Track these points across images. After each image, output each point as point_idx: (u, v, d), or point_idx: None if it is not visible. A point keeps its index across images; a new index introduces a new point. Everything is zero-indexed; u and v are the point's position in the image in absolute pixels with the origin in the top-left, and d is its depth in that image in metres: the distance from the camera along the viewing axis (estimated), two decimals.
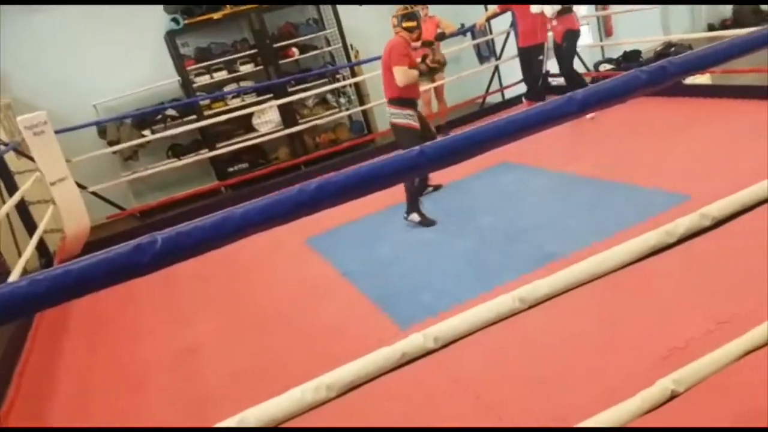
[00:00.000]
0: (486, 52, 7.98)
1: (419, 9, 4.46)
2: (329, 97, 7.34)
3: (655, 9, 8.28)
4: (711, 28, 8.60)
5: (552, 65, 6.91)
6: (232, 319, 3.57)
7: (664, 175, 3.93)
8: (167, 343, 3.43)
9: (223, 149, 6.67)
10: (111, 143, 6.41)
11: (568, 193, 4.20)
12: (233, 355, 3.12)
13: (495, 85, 7.52)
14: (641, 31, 7.88)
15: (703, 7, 8.65)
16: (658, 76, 1.25)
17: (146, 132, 6.56)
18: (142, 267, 0.91)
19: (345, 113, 7.34)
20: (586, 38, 8.27)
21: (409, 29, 4.27)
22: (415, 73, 4.21)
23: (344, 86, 7.31)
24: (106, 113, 6.64)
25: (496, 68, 7.47)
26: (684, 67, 1.28)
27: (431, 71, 4.71)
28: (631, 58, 6.76)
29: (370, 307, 3.19)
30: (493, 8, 6.90)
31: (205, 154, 6.73)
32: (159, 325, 3.76)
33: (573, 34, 5.78)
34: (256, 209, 0.99)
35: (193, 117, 6.69)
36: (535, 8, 5.70)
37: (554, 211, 3.94)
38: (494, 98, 7.64)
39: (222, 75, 6.86)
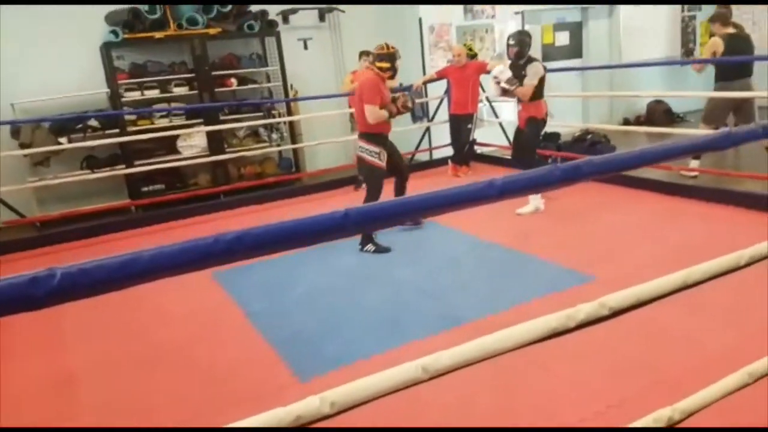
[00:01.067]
0: (420, 113, 8.24)
1: (396, 51, 4.53)
2: (261, 130, 7.29)
3: (578, 98, 8.94)
4: (626, 122, 9.35)
5: (479, 134, 7.28)
6: (117, 350, 3.33)
7: (574, 253, 4.13)
8: (42, 372, 3.15)
9: (142, 167, 6.42)
10: (23, 146, 6.02)
11: (485, 260, 4.33)
12: (110, 390, 2.91)
13: (425, 144, 7.76)
14: (563, 115, 8.47)
15: (621, 104, 9.41)
16: (572, 174, 1.33)
17: (63, 139, 6.21)
18: (35, 301, 0.84)
19: (275, 149, 7.31)
20: (512, 113, 8.77)
21: (381, 69, 4.38)
22: (384, 113, 4.31)
23: (278, 122, 7.29)
24: (23, 114, 6.27)
25: (428, 129, 7.73)
26: (598, 168, 1.37)
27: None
28: (550, 138, 7.22)
29: (270, 353, 3.08)
30: (430, 73, 7.23)
31: (122, 170, 6.45)
32: (35, 350, 3.44)
33: (536, 123, 5.17)
34: (166, 254, 0.95)
35: (116, 131, 6.43)
36: (494, 70, 5.23)
37: (469, 275, 4.05)
38: (423, 156, 7.87)
39: (153, 93, 6.66)
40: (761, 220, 4.26)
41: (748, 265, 1.75)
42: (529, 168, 4.73)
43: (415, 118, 8.30)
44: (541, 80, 5.01)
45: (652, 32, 9.52)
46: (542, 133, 5.48)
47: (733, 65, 5.47)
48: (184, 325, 3.59)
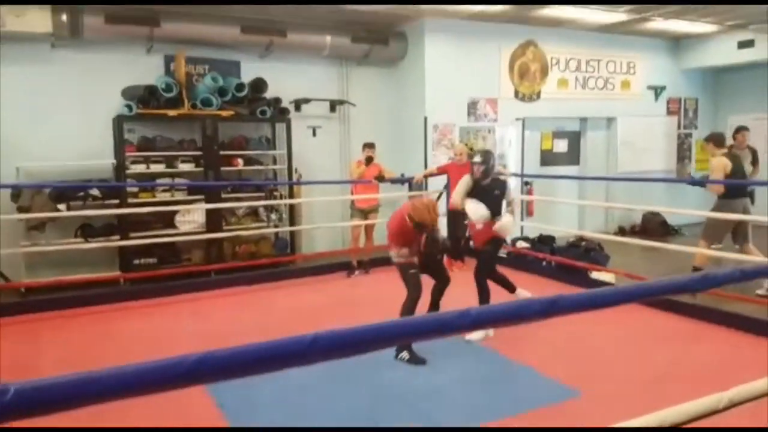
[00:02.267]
0: None
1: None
2: (261, 210, 7.38)
3: (575, 204, 9.10)
4: (621, 230, 9.47)
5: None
6: None
7: (561, 366, 4.05)
8: None
9: (136, 240, 6.45)
10: (21, 209, 6.07)
11: (472, 365, 4.22)
12: None
13: None
14: (559, 219, 8.60)
15: (616, 212, 9.57)
16: (547, 309, 1.34)
17: (62, 206, 6.25)
18: None
19: (273, 230, 7.37)
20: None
21: (411, 220, 4.24)
22: (405, 252, 4.35)
23: (279, 204, 7.40)
24: (27, 177, 6.36)
25: None
26: (573, 305, 1.39)
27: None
28: (545, 241, 7.27)
29: None
30: (431, 168, 7.42)
31: (116, 241, 6.47)
32: None
33: (497, 242, 4.95)
34: (128, 374, 0.94)
35: (116, 201, 6.51)
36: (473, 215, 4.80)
37: (453, 379, 3.94)
38: None
39: (159, 168, 6.80)
40: (758, 345, 4.22)
41: (727, 408, 1.72)
42: (484, 288, 4.36)
43: None
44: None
45: (648, 146, 9.84)
46: (498, 253, 5.24)
47: (733, 184, 5.60)
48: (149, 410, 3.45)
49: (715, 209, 5.73)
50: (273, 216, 7.39)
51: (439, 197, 7.03)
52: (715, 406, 1.70)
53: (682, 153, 10.25)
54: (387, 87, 8.56)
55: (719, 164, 5.71)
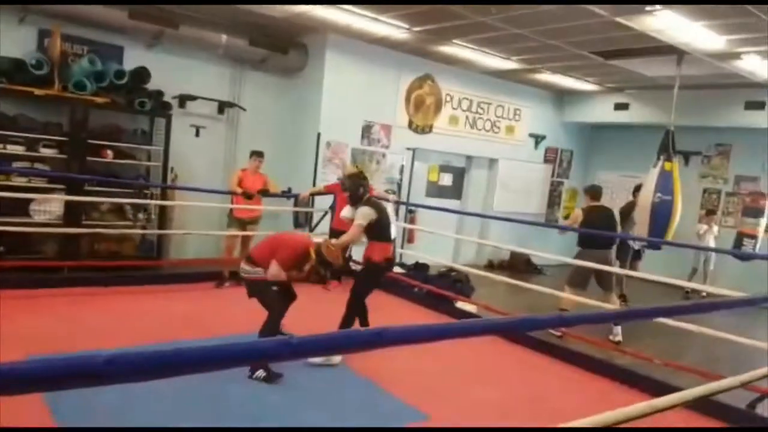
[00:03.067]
0: (303, 220, 8.26)
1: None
2: (127, 208, 6.88)
3: (451, 237, 9.42)
4: (490, 263, 9.95)
5: (355, 251, 7.36)
6: None
7: (411, 389, 4.10)
8: None
9: None
10: None
11: (327, 382, 4.14)
12: None
13: None
14: (437, 249, 8.85)
15: (488, 248, 10.04)
16: (373, 340, 1.30)
17: None
18: None
19: (139, 231, 6.90)
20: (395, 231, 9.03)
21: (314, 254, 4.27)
22: (283, 276, 4.23)
23: (148, 204, 6.95)
24: None
25: None
26: (397, 337, 1.37)
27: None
28: (421, 268, 7.46)
29: None
30: (319, 186, 7.36)
31: None
32: None
33: (369, 265, 4.80)
34: None
35: None
36: (345, 212, 5.06)
37: (302, 398, 3.84)
38: None
39: (17, 149, 6.15)
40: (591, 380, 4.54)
41: None
42: (353, 312, 4.41)
43: (297, 224, 8.30)
44: (372, 223, 4.62)
45: (523, 189, 10.47)
46: (377, 278, 4.97)
47: (592, 236, 5.97)
48: None
49: (576, 257, 6.10)
50: (141, 215, 6.93)
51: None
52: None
53: (553, 199, 11.02)
54: (282, 96, 8.42)
55: (573, 214, 6.43)
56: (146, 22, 6.75)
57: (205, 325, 5.03)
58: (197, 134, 7.78)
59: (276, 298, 4.27)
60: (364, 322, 4.81)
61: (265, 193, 6.76)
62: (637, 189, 7.25)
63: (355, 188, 4.85)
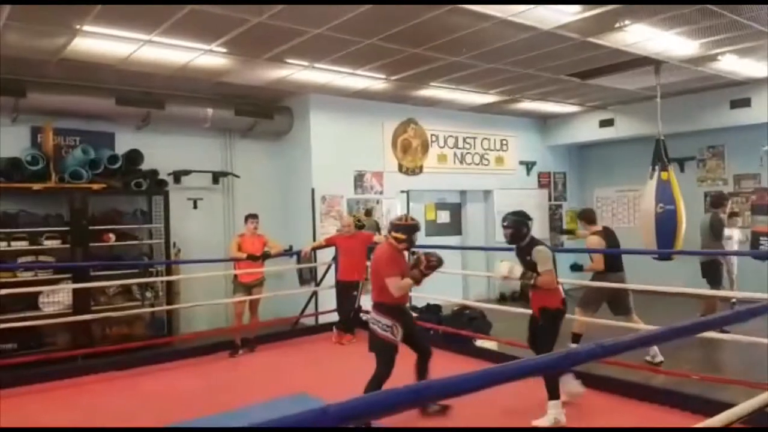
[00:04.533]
0: (308, 276, 8.30)
1: (416, 224, 4.29)
2: (135, 288, 6.95)
3: (459, 274, 9.40)
4: (503, 296, 9.90)
5: (366, 302, 7.35)
6: None
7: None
8: None
9: None
10: None
11: None
12: None
13: (311, 309, 7.71)
14: (445, 288, 8.80)
15: (498, 281, 9.97)
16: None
17: None
18: None
19: (148, 309, 6.93)
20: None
21: (397, 240, 4.17)
22: (408, 282, 4.05)
23: (154, 281, 7.01)
24: None
25: (315, 293, 7.73)
26: (442, 390, 1.39)
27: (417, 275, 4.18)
28: (432, 310, 7.42)
29: None
30: (320, 240, 7.41)
31: None
32: None
33: (548, 313, 4.30)
34: None
35: None
36: (501, 269, 4.45)
37: None
38: (308, 320, 7.77)
39: (21, 245, 6.28)
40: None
41: None
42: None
43: (303, 281, 8.34)
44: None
45: None
46: (558, 324, 4.37)
47: (611, 260, 5.82)
48: None
49: (595, 279, 5.92)
50: (148, 294, 6.98)
51: None
52: None
53: (554, 223, 11.04)
54: (273, 159, 8.60)
55: (595, 242, 5.94)
56: (132, 106, 6.98)
57: (223, 399, 4.98)
58: (195, 206, 7.92)
59: (389, 361, 4.03)
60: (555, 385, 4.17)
61: (266, 255, 6.77)
62: (588, 219, 6.43)
63: (518, 227, 4.34)
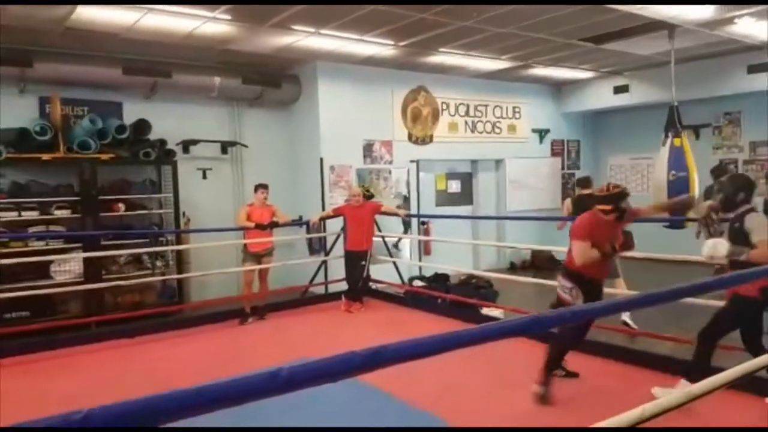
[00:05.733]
0: (317, 246, 8.33)
1: (622, 190, 3.95)
2: (145, 257, 7.03)
3: (469, 244, 9.39)
4: (512, 266, 9.86)
5: (374, 271, 7.40)
6: None
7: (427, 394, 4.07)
8: None
9: (6, 293, 5.90)
10: None
11: (372, 411, 4.08)
12: None
13: (321, 278, 7.74)
14: (455, 258, 8.81)
15: (508, 250, 9.97)
16: (371, 361, 1.30)
17: None
18: None
19: (158, 278, 7.02)
20: (405, 253, 9.08)
21: (603, 212, 3.90)
22: (594, 253, 3.81)
23: (164, 250, 7.07)
24: None
25: (324, 263, 7.76)
26: (396, 354, 1.36)
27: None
28: (440, 279, 7.43)
29: None
30: (328, 210, 7.41)
31: None
32: None
33: (744, 303, 3.58)
34: None
35: None
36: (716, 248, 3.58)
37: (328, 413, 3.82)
38: (318, 289, 7.82)
39: (32, 215, 6.35)
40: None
41: None
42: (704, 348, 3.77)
43: (312, 251, 8.37)
44: None
45: (535, 185, 10.40)
46: (746, 318, 3.64)
47: None
48: None
49: None
50: (158, 263, 7.06)
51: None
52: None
53: (567, 192, 10.91)
54: (281, 128, 8.55)
55: (565, 205, 6.72)
56: (139, 75, 6.94)
57: (231, 366, 5.04)
58: (204, 176, 7.92)
59: (575, 328, 3.92)
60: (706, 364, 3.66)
61: (275, 224, 6.79)
62: (583, 183, 7.04)
63: (734, 192, 3.70)
